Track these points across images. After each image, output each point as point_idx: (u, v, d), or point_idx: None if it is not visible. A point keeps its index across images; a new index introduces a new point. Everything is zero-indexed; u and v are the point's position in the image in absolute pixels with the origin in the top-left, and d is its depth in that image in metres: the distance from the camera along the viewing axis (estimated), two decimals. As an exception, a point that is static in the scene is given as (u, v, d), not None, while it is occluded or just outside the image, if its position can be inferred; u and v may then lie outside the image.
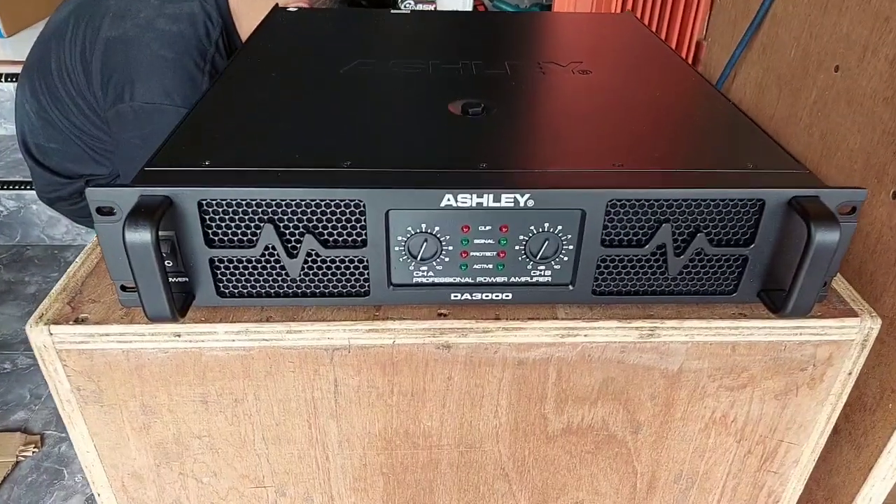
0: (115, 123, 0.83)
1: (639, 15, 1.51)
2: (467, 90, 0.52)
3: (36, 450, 1.03)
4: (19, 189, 1.47)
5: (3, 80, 1.61)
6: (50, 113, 0.91)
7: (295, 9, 0.71)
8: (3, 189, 1.47)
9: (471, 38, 0.65)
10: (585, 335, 0.43)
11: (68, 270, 0.46)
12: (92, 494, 0.96)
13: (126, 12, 0.84)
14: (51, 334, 0.41)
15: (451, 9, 1.66)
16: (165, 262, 0.37)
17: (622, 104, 0.50)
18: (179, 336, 0.41)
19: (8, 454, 1.02)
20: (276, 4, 0.73)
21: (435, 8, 1.64)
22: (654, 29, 1.47)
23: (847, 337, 0.44)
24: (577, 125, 0.46)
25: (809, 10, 0.66)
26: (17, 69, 1.62)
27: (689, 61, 1.55)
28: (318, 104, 0.48)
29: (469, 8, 1.70)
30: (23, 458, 1.02)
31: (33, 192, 1.48)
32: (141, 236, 0.34)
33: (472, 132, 0.45)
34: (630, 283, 0.41)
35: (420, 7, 1.62)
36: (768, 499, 0.53)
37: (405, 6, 1.64)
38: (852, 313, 0.44)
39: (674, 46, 1.56)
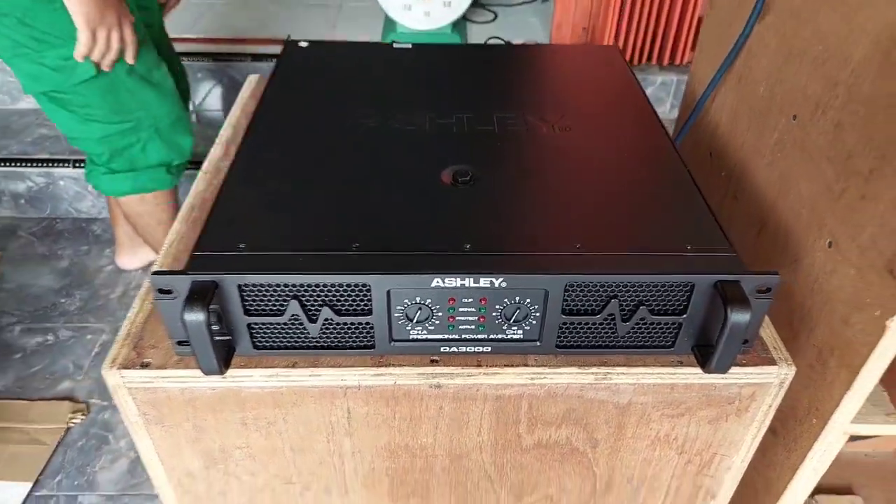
0: None
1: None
2: (460, 153, 0.60)
3: (83, 417, 1.17)
4: (47, 166, 1.56)
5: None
6: None
7: (305, 44, 0.77)
8: (32, 166, 1.56)
9: (465, 82, 0.72)
10: (551, 378, 0.52)
11: (129, 316, 0.55)
12: (136, 458, 1.10)
13: None
14: (122, 377, 0.51)
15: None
16: (213, 327, 0.46)
17: (590, 176, 0.58)
18: (224, 378, 0.51)
19: (60, 421, 1.15)
20: (289, 36, 0.79)
21: None
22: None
23: (766, 380, 0.53)
24: (549, 200, 0.55)
25: (776, 55, 0.71)
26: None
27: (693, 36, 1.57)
28: (330, 178, 0.56)
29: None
30: (73, 425, 1.15)
31: (61, 169, 1.56)
32: (196, 316, 0.44)
33: (460, 206, 0.53)
34: (586, 339, 0.51)
35: (423, 7, 1.64)
36: (706, 496, 0.64)
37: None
38: (772, 361, 0.53)
39: (675, 24, 1.58)
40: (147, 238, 1.31)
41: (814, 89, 0.64)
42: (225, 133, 0.78)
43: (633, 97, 0.69)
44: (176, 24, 1.80)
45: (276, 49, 1.68)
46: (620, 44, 1.60)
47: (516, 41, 1.78)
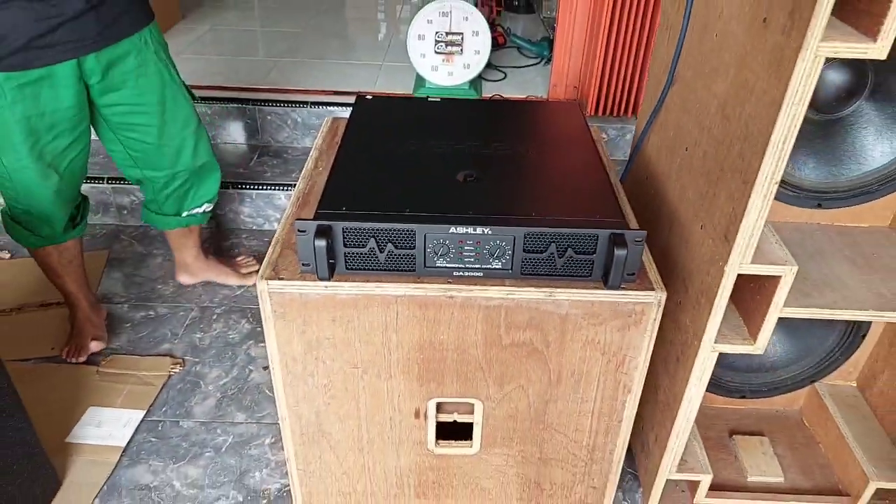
0: None
1: (625, 38, 1.92)
2: (468, 164, 0.97)
3: (181, 368, 1.53)
4: (147, 185, 1.97)
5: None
6: None
7: (370, 97, 1.16)
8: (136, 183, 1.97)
9: (475, 123, 1.10)
10: (519, 294, 0.88)
11: (268, 254, 0.92)
12: (221, 398, 1.45)
13: None
14: (267, 284, 0.88)
15: (473, 49, 2.09)
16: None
17: (545, 178, 0.95)
18: (326, 288, 0.87)
19: (163, 370, 1.51)
20: (359, 93, 1.18)
21: (461, 49, 2.08)
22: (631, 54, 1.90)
23: (649, 300, 0.88)
24: (519, 190, 0.91)
25: (679, 110, 1.09)
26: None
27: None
28: (392, 175, 0.94)
29: (488, 47, 2.11)
30: (173, 374, 1.52)
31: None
32: (320, 244, 0.81)
33: (468, 192, 0.90)
34: (539, 269, 0.87)
35: (449, 50, 2.06)
36: (625, 390, 0.98)
37: (438, 49, 2.08)
38: (651, 287, 0.88)
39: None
40: None
41: (694, 131, 1.01)
42: (314, 153, 1.17)
43: (582, 135, 1.06)
44: (250, 76, 2.24)
45: (331, 98, 2.11)
46: (602, 100, 2.00)
47: (520, 95, 2.18)
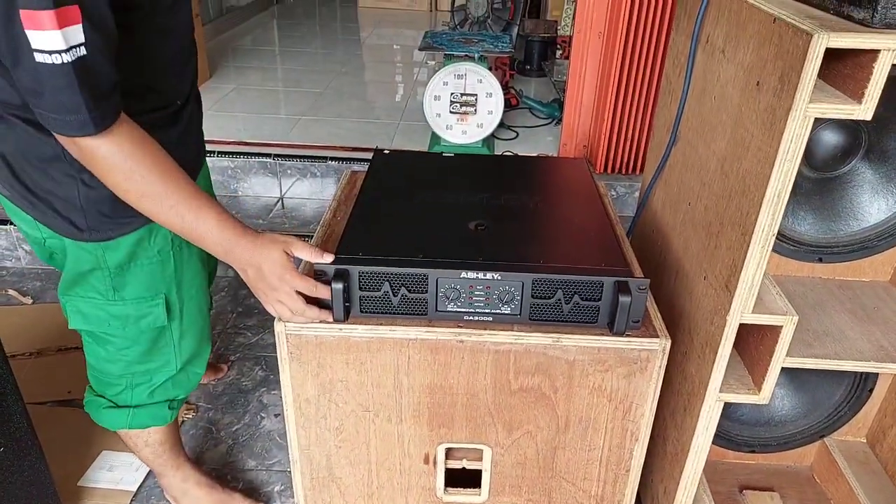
0: None
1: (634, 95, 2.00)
2: (480, 214, 1.02)
3: (194, 414, 1.55)
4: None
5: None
6: None
7: (387, 151, 1.23)
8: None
9: (486, 176, 1.16)
10: (527, 339, 0.91)
11: (286, 297, 0.96)
12: (233, 444, 1.46)
13: None
14: (284, 326, 0.91)
15: (487, 109, 2.19)
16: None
17: (553, 228, 0.99)
18: (341, 330, 0.91)
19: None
20: (377, 147, 1.24)
21: (475, 109, 2.17)
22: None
23: (654, 347, 0.91)
24: (528, 239, 0.96)
25: (681, 167, 1.14)
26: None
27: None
28: (407, 224, 0.99)
29: (501, 108, 2.21)
30: (186, 419, 1.53)
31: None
32: (338, 286, 0.85)
33: (479, 240, 0.95)
34: (546, 315, 0.90)
35: (463, 110, 2.15)
36: (632, 436, 0.99)
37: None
38: (656, 335, 0.91)
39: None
40: (135, 453, 1.23)
41: (696, 187, 1.06)
42: (332, 204, 1.22)
43: (589, 188, 1.11)
44: (273, 133, 2.35)
45: (350, 154, 2.20)
46: (610, 158, 2.07)
47: (532, 153, 2.26)
